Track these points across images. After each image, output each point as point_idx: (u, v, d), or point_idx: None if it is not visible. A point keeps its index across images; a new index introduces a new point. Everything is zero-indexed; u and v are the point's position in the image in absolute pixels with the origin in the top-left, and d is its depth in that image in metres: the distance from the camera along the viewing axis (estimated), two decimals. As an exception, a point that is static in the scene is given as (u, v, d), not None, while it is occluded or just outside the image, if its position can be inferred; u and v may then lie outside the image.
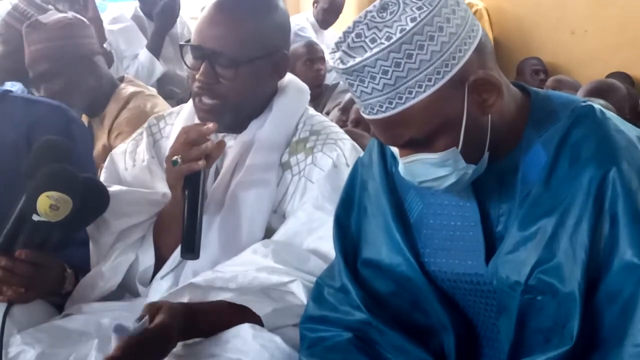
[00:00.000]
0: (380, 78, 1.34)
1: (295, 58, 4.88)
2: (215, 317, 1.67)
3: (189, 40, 1.90)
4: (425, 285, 1.53)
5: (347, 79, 1.37)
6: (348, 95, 4.25)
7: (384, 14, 1.35)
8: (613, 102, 3.25)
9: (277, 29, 1.89)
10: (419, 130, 1.37)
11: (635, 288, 1.32)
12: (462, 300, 1.53)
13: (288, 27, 1.96)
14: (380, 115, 1.37)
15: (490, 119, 1.41)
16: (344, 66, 1.36)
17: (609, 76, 4.81)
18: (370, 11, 1.37)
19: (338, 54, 1.37)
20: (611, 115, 1.45)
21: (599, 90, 3.43)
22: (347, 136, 1.95)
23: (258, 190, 1.85)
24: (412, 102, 1.35)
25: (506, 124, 1.44)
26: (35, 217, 1.69)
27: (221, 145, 1.83)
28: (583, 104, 1.46)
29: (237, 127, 1.91)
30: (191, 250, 1.74)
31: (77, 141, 2.08)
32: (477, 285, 1.49)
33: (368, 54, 1.33)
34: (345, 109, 4.00)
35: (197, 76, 1.84)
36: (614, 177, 1.35)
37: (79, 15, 3.00)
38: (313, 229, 1.80)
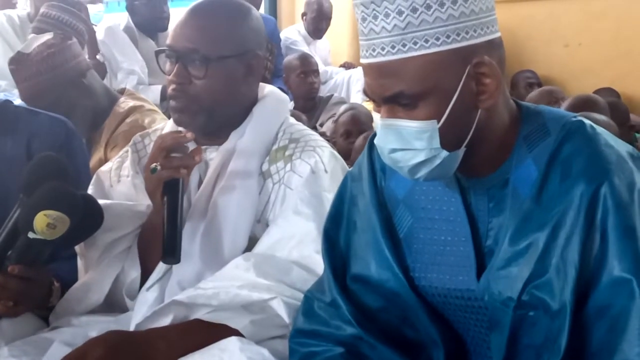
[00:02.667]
0: (394, 18, 1.36)
1: (289, 70, 4.91)
2: (181, 340, 1.68)
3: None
4: (414, 301, 1.52)
5: (362, 11, 1.39)
6: (342, 107, 4.27)
7: None
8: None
9: (250, 31, 1.91)
10: (409, 86, 1.37)
11: (625, 303, 1.31)
12: (452, 315, 1.53)
13: (261, 31, 1.97)
14: (379, 59, 1.38)
15: (479, 116, 1.40)
16: None
17: (596, 92, 4.81)
18: None
19: None
20: (601, 130, 1.45)
21: (580, 106, 3.43)
22: (326, 143, 1.96)
23: (239, 197, 1.85)
24: (413, 53, 1.36)
25: (496, 132, 1.44)
26: (31, 235, 1.69)
27: (199, 152, 1.83)
28: (574, 119, 1.46)
29: (217, 136, 1.92)
30: (172, 254, 1.74)
31: (76, 154, 2.10)
32: (468, 301, 1.49)
33: None
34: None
35: (170, 77, 1.86)
36: (605, 192, 1.34)
37: (60, 33, 2.95)
38: (293, 235, 1.80)
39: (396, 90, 1.38)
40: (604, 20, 5.17)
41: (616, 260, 1.33)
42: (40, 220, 1.67)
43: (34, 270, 1.79)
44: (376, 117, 1.47)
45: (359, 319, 1.57)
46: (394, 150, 1.42)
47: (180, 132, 1.86)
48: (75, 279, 1.94)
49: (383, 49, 1.37)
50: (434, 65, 1.36)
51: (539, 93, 4.51)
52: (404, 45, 1.36)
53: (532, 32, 5.54)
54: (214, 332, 1.67)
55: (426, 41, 1.35)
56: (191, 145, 1.86)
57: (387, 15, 1.37)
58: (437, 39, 1.35)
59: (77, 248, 1.94)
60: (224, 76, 1.86)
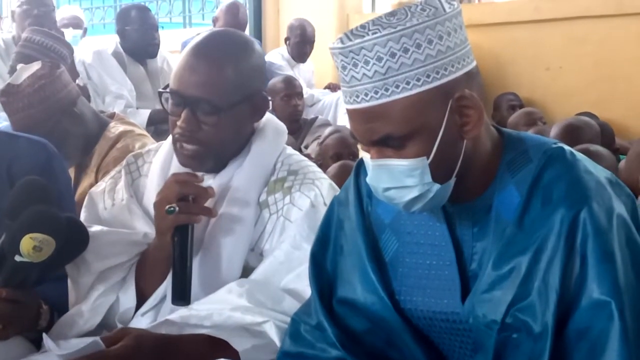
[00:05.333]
0: (373, 64, 1.38)
1: (273, 93, 4.93)
2: (193, 350, 1.68)
3: (167, 86, 1.90)
4: (399, 324, 1.54)
5: (341, 60, 1.41)
6: (327, 130, 4.30)
7: (392, 18, 1.40)
8: (586, 139, 3.29)
9: (255, 71, 1.92)
10: (396, 128, 1.40)
11: (604, 325, 1.34)
12: (437, 338, 1.55)
13: (263, 67, 1.99)
14: (363, 105, 1.40)
15: (465, 147, 1.44)
16: (342, 45, 1.40)
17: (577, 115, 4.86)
18: (380, 16, 1.42)
19: (340, 36, 1.42)
20: (581, 156, 1.48)
21: (573, 128, 3.47)
22: (324, 176, 1.97)
23: (236, 229, 1.86)
24: (396, 96, 1.38)
25: (480, 160, 1.47)
26: (17, 258, 1.70)
27: (210, 193, 1.84)
28: (554, 145, 1.49)
29: (217, 168, 1.93)
30: (182, 297, 1.76)
31: (57, 177, 2.09)
32: (453, 324, 1.51)
33: (368, 37, 1.38)
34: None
35: (178, 123, 1.84)
36: (584, 218, 1.38)
37: (48, 61, 2.92)
38: (291, 268, 1.81)
39: (384, 133, 1.41)
40: (585, 45, 5.23)
41: (595, 283, 1.36)
42: (26, 243, 1.69)
43: (22, 293, 1.80)
44: (364, 155, 1.49)
45: (344, 341, 1.58)
46: (387, 189, 1.45)
47: (195, 175, 1.85)
48: (64, 302, 1.94)
49: (366, 94, 1.40)
50: (417, 105, 1.39)
51: (518, 115, 4.60)
52: (386, 90, 1.38)
53: (515, 56, 5.60)
54: (217, 348, 1.67)
55: (407, 83, 1.38)
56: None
57: (366, 62, 1.39)
58: (418, 79, 1.38)
59: (69, 273, 1.93)
60: (233, 121, 1.87)
